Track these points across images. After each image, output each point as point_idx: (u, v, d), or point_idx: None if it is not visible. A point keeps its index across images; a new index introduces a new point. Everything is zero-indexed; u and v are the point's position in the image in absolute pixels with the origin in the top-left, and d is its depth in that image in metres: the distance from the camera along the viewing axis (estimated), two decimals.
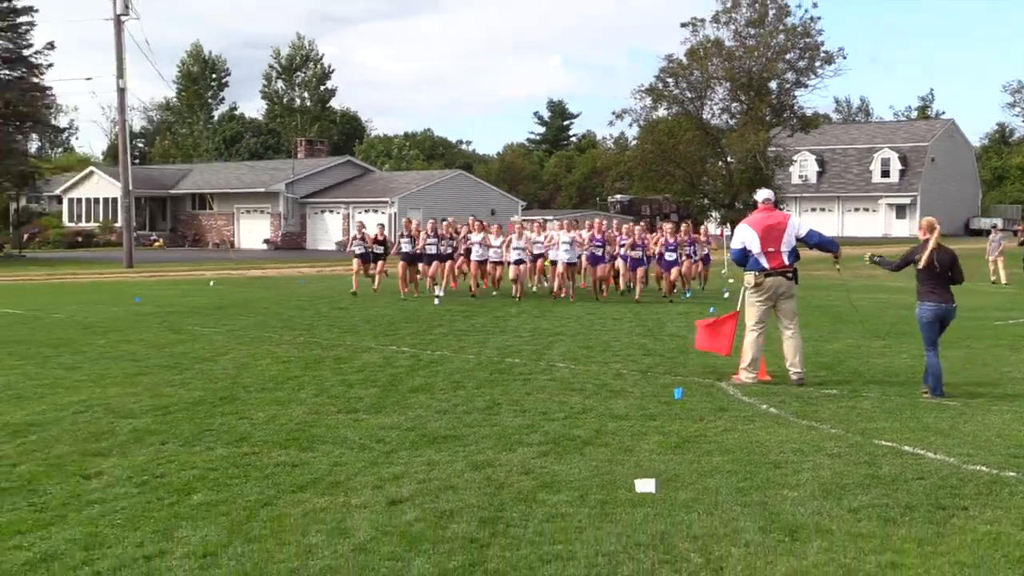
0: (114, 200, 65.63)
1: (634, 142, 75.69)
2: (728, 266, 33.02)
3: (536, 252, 25.20)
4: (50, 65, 53.70)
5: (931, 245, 11.43)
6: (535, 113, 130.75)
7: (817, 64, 66.32)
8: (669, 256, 24.79)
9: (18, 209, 69.40)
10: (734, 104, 68.60)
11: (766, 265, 12.07)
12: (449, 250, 25.58)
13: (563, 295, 24.14)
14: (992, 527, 6.54)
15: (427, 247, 25.17)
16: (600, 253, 24.64)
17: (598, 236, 24.62)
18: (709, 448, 8.70)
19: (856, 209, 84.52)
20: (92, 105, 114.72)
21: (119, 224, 55.86)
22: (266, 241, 66.87)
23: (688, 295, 25.28)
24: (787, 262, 12.12)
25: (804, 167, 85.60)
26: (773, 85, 67.39)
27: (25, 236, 64.15)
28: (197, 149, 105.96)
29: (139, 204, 66.72)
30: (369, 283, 26.64)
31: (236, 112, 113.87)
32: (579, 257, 24.93)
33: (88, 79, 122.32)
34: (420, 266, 25.54)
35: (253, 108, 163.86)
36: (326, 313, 21.16)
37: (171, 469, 7.96)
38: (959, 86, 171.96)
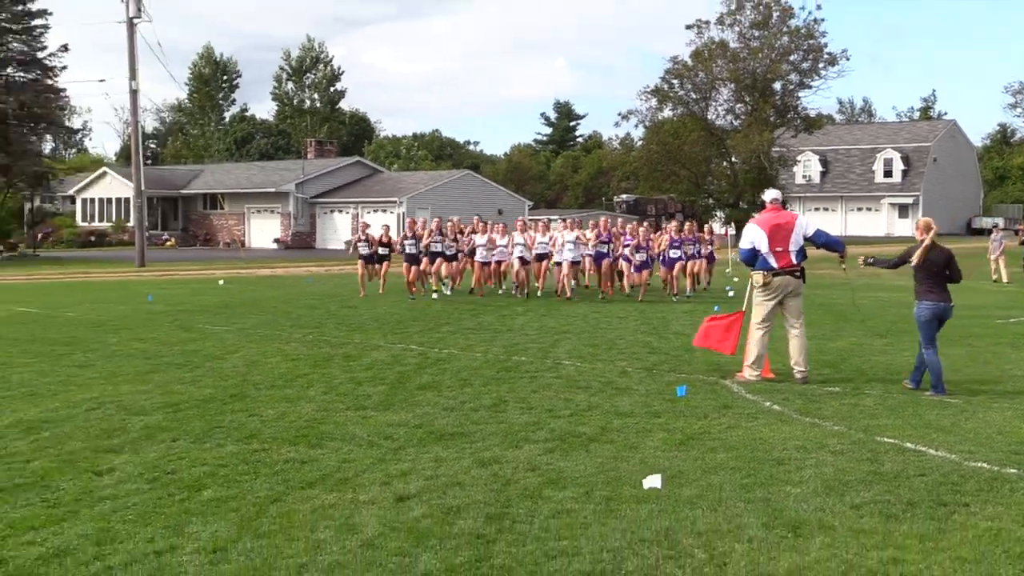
0: (126, 200, 65.76)
1: (640, 143, 75.68)
2: (732, 265, 33.00)
3: (540, 253, 24.99)
4: (64, 67, 53.84)
5: (925, 245, 11.44)
6: (542, 114, 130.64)
7: (820, 65, 66.24)
8: (673, 253, 24.54)
9: (32, 209, 69.55)
10: (738, 105, 68.56)
11: (774, 264, 12.06)
12: (453, 249, 25.27)
13: (567, 295, 23.90)
14: (993, 523, 6.53)
15: (433, 245, 24.84)
16: (606, 251, 24.46)
17: (604, 233, 24.51)
18: (713, 445, 8.69)
19: (859, 209, 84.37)
20: (105, 107, 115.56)
21: (131, 224, 55.96)
22: (276, 240, 66.91)
23: (689, 295, 24.98)
24: (795, 261, 12.11)
25: (808, 167, 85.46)
26: (777, 86, 67.31)
27: (39, 235, 64.30)
28: (208, 150, 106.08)
29: (151, 204, 66.80)
30: (374, 284, 26.27)
31: (247, 113, 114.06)
32: (583, 256, 24.77)
33: (101, 81, 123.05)
34: (423, 262, 25.05)
35: (264, 109, 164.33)
36: (335, 311, 21.16)
37: (182, 465, 7.97)
38: (961, 87, 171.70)
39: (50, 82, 52.79)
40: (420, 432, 9.19)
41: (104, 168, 76.06)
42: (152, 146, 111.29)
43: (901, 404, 10.62)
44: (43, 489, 7.33)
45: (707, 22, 67.41)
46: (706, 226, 30.53)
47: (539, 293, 25.09)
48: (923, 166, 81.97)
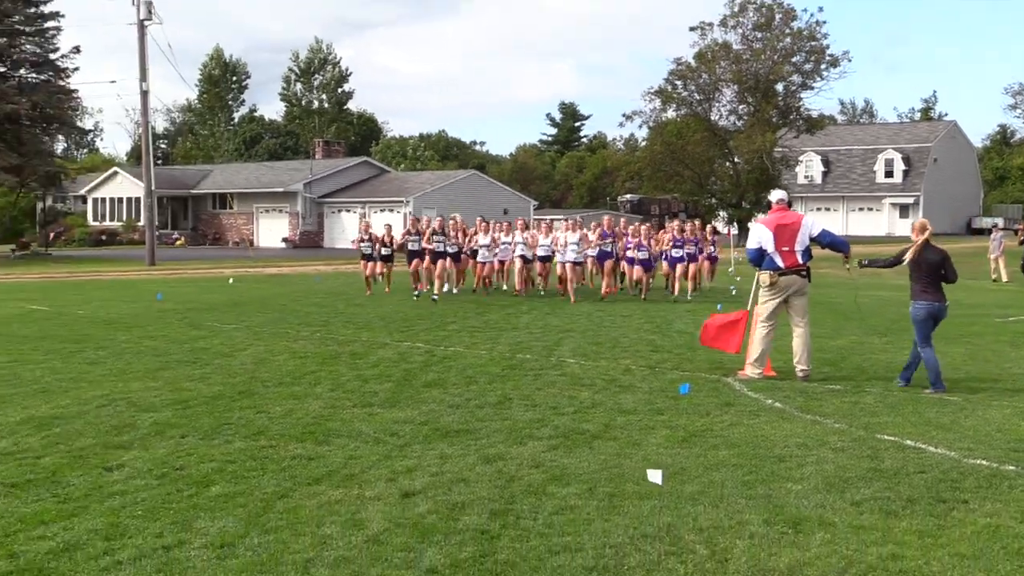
0: (137, 200, 65.82)
1: (644, 143, 75.56)
2: (735, 264, 32.95)
3: (542, 254, 24.84)
4: (76, 69, 53.90)
5: (918, 245, 11.48)
6: (547, 115, 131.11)
7: (822, 67, 66.03)
8: (676, 252, 24.27)
9: (44, 208, 69.80)
10: (741, 106, 68.38)
11: (781, 264, 12.05)
12: (455, 249, 24.85)
13: (571, 300, 23.75)
14: (992, 520, 6.52)
15: (434, 244, 24.45)
16: (609, 250, 24.31)
17: (608, 231, 24.37)
18: (715, 442, 8.68)
19: (860, 209, 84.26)
20: (116, 107, 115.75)
21: (142, 223, 56.10)
22: (284, 240, 66.95)
23: (689, 298, 24.67)
24: (801, 261, 12.11)
25: (809, 167, 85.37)
26: (780, 87, 67.15)
27: (51, 235, 64.39)
28: (218, 150, 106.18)
29: (161, 204, 66.94)
30: (379, 283, 26.21)
31: (256, 114, 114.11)
32: (587, 257, 24.67)
33: (112, 82, 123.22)
34: (425, 260, 24.67)
35: (272, 110, 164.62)
36: (342, 310, 21.18)
37: (190, 462, 7.98)
38: (961, 88, 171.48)
39: (62, 83, 52.84)
40: (426, 429, 9.19)
41: (115, 168, 76.10)
42: (162, 146, 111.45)
43: (901, 402, 10.61)
44: (54, 484, 7.35)
45: (710, 24, 67.27)
46: (708, 226, 30.40)
47: (542, 292, 25.00)
48: (924, 166, 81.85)
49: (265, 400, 10.64)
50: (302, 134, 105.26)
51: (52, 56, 52.45)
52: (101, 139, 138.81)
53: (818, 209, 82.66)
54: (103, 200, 73.09)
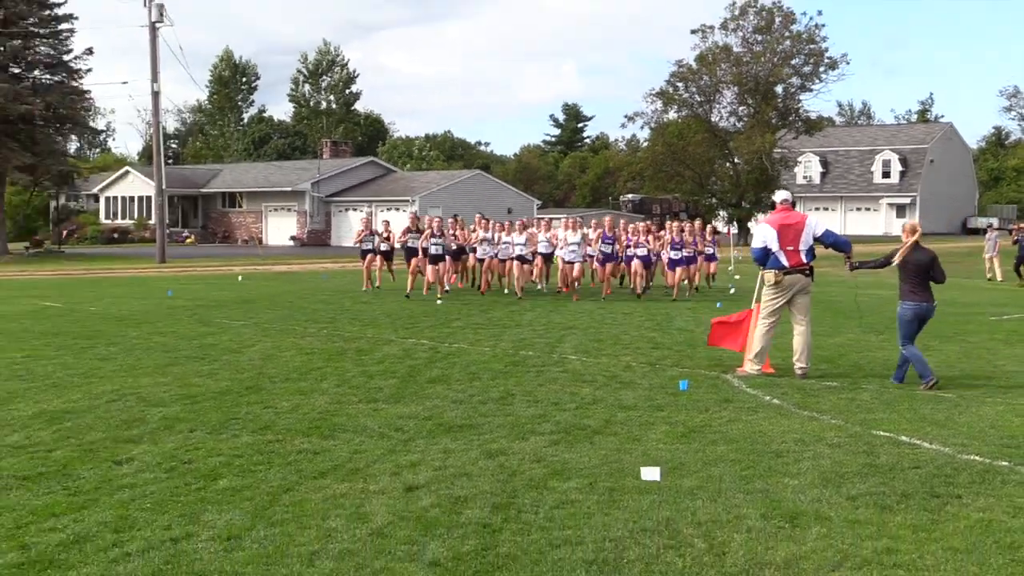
0: (148, 198, 65.85)
1: (645, 144, 75.46)
2: (734, 263, 32.91)
3: (542, 250, 24.67)
4: (89, 70, 53.90)
5: (908, 246, 11.52)
6: (550, 116, 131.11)
7: (821, 69, 65.96)
8: (674, 254, 23.94)
9: (58, 207, 69.89)
10: (741, 108, 68.33)
11: (785, 263, 12.04)
12: (454, 247, 24.34)
13: (567, 292, 23.63)
14: (985, 514, 6.51)
15: (432, 246, 23.30)
16: (610, 251, 24.11)
17: (608, 234, 24.24)
18: (714, 438, 8.68)
19: (858, 209, 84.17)
20: (128, 108, 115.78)
21: (153, 221, 56.10)
22: (292, 238, 66.98)
23: (687, 295, 24.50)
24: (805, 260, 12.11)
25: (808, 168, 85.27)
26: (779, 89, 67.08)
27: (64, 232, 64.45)
28: (227, 150, 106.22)
29: (172, 202, 66.97)
30: (379, 277, 26.08)
31: (265, 114, 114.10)
32: (588, 257, 24.44)
33: (124, 83, 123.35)
34: (425, 262, 23.65)
35: (281, 111, 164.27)
36: (348, 307, 21.18)
37: (198, 456, 7.98)
38: (957, 91, 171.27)
39: (75, 84, 52.83)
40: (429, 424, 9.19)
41: (127, 167, 76.16)
42: (173, 146, 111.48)
43: (897, 398, 10.60)
44: (65, 477, 7.35)
45: (711, 27, 67.22)
46: (708, 226, 30.21)
47: (542, 289, 24.87)
48: (920, 167, 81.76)
49: (272, 395, 10.64)
50: (310, 134, 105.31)
51: (66, 58, 52.45)
52: (113, 139, 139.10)
53: (816, 209, 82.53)
54: (115, 199, 73.17)
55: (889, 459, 7.91)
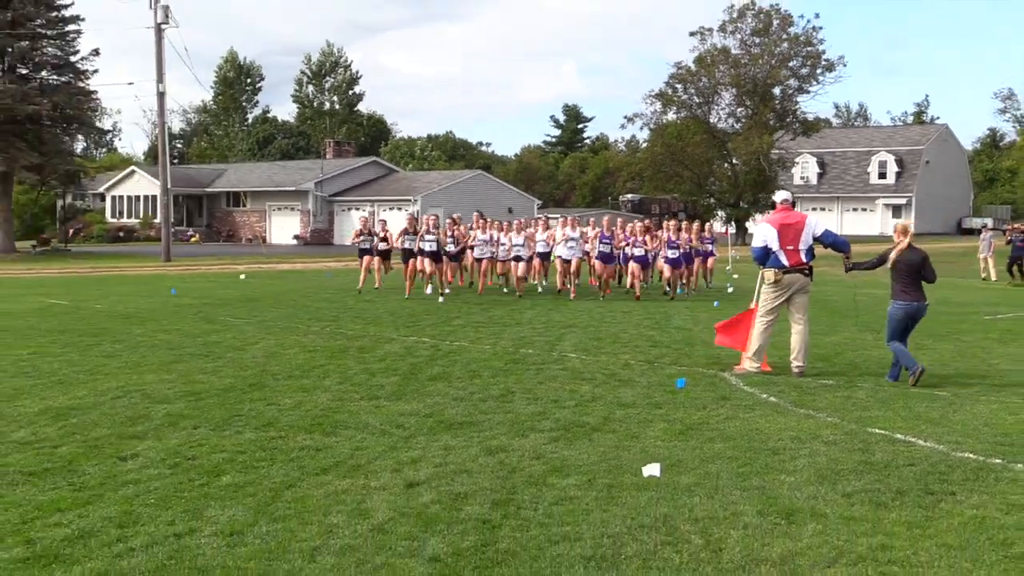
0: (154, 198, 65.91)
1: (645, 144, 75.56)
2: (732, 262, 32.88)
3: (540, 251, 24.40)
4: (95, 71, 53.71)
5: (900, 247, 11.58)
6: (551, 116, 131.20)
7: (818, 71, 66.06)
8: (671, 253, 23.60)
9: (64, 206, 69.87)
10: (739, 109, 68.41)
11: (785, 262, 12.04)
12: (451, 247, 23.91)
13: (564, 290, 23.45)
14: (978, 511, 6.51)
15: (425, 244, 22.92)
16: (608, 250, 23.74)
17: (606, 233, 24.05)
18: (711, 435, 8.67)
19: (854, 209, 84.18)
20: (134, 108, 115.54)
21: (158, 220, 56.10)
22: (296, 237, 66.95)
23: (682, 292, 24.16)
24: (804, 260, 12.10)
25: (805, 169, 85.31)
26: (777, 91, 67.15)
27: (70, 231, 64.40)
28: (232, 150, 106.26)
29: (177, 201, 66.93)
30: (378, 278, 25.56)
31: (269, 115, 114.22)
32: (585, 254, 24.17)
33: (130, 84, 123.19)
34: (423, 262, 23.21)
35: (285, 111, 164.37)
36: (351, 305, 21.17)
37: (202, 452, 7.98)
38: (953, 93, 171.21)
39: (82, 85, 52.78)
40: (430, 421, 9.18)
41: (132, 167, 76.19)
42: (178, 146, 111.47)
43: (892, 397, 10.59)
44: (70, 473, 7.35)
45: (710, 29, 67.38)
46: (707, 225, 30.12)
47: (540, 289, 24.71)
48: (916, 168, 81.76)
49: (275, 392, 10.64)
50: (313, 135, 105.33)
51: (72, 58, 52.43)
52: (119, 139, 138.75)
53: (814, 209, 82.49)
54: (121, 198, 73.20)
55: (884, 456, 7.91)
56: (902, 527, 6.20)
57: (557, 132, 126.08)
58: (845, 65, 79.94)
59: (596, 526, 6.18)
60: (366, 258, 25.02)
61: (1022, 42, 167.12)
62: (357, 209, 65.55)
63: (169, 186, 46.68)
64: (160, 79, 45.47)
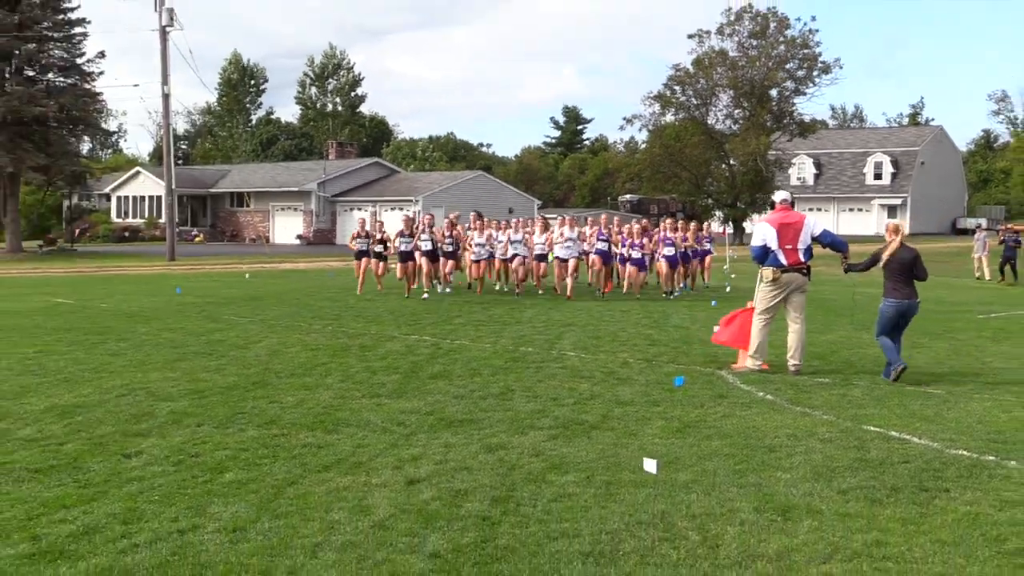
0: (158, 198, 65.81)
1: (643, 145, 75.52)
2: (730, 262, 32.86)
3: (538, 252, 24.33)
4: (101, 73, 53.74)
5: (893, 246, 11.64)
6: (551, 118, 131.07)
7: (815, 73, 65.99)
8: (668, 251, 23.39)
9: (70, 206, 69.88)
10: (737, 111, 68.36)
11: (784, 261, 12.02)
12: (450, 247, 23.67)
13: (567, 296, 22.90)
14: (972, 508, 6.50)
15: (421, 244, 22.69)
16: (606, 248, 23.74)
17: (603, 231, 23.83)
18: (708, 433, 8.66)
19: (850, 209, 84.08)
20: (139, 109, 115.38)
21: (163, 220, 56.08)
22: (299, 237, 66.95)
23: (677, 293, 23.93)
24: (803, 259, 12.09)
25: (802, 170, 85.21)
26: (774, 93, 67.10)
27: (76, 231, 64.47)
28: (236, 151, 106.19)
29: (182, 202, 67.00)
30: (379, 281, 25.13)
31: (272, 116, 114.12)
32: (584, 254, 23.84)
33: (136, 86, 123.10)
34: (420, 262, 22.98)
35: (288, 113, 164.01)
36: (353, 304, 21.16)
37: (205, 449, 7.97)
38: (948, 94, 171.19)
39: (88, 87, 52.83)
40: (431, 419, 9.17)
41: (138, 168, 76.14)
42: (183, 147, 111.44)
43: (887, 394, 10.59)
44: (75, 470, 7.35)
45: (708, 32, 67.30)
46: (705, 225, 29.99)
47: (540, 292, 24.45)
48: (911, 169, 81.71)
49: (278, 390, 10.63)
50: (316, 136, 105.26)
51: (78, 61, 52.48)
52: (125, 140, 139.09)
53: (810, 209, 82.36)
54: (126, 198, 73.16)
55: (879, 454, 7.90)
56: (897, 523, 6.19)
57: (557, 133, 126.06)
58: (841, 67, 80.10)
59: (594, 522, 6.18)
60: (363, 260, 24.45)
61: (1017, 45, 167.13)
62: (359, 209, 65.55)
63: (174, 187, 46.73)
64: (165, 81, 45.51)
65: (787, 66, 66.06)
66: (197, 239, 67.59)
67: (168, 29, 45.15)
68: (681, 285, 24.69)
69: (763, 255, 12.17)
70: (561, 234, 22.91)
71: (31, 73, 51.41)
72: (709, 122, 68.74)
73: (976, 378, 11.85)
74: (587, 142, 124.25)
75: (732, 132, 67.81)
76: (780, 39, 65.78)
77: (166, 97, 45.93)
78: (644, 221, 26.41)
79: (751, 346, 12.21)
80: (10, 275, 34.44)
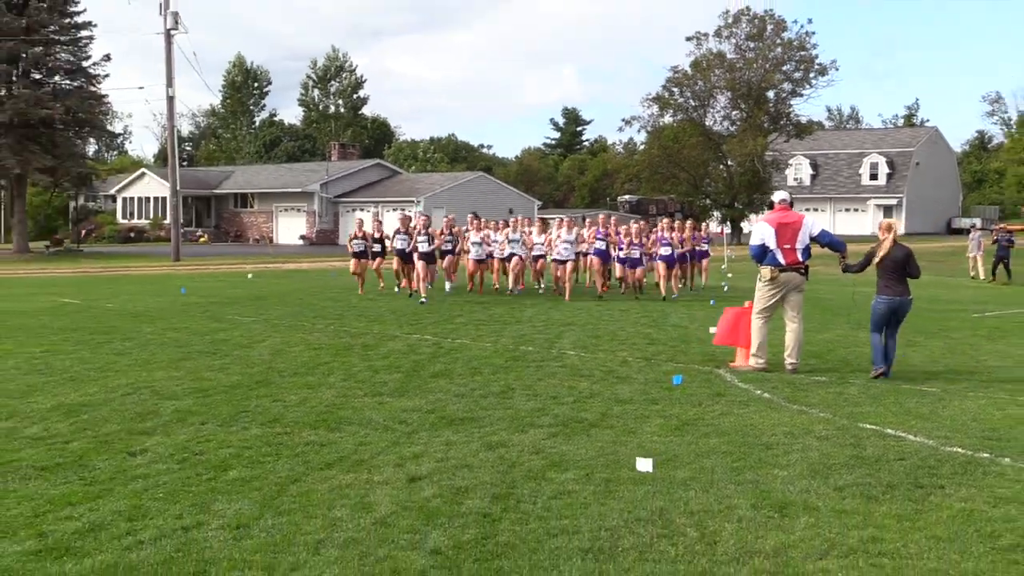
0: (163, 199, 65.83)
1: (642, 147, 75.49)
2: (727, 261, 32.85)
3: (536, 253, 23.93)
4: (106, 75, 54.14)
5: (886, 244, 11.64)
6: (551, 119, 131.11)
7: (811, 75, 66.03)
8: (664, 251, 22.98)
9: (77, 207, 69.97)
10: (734, 112, 68.38)
11: (782, 261, 12.02)
12: (449, 246, 23.58)
13: (565, 298, 22.58)
14: (966, 504, 6.50)
15: (418, 245, 21.88)
16: (604, 248, 23.51)
17: (601, 231, 23.59)
18: (706, 430, 8.66)
19: (847, 209, 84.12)
20: (144, 112, 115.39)
21: (168, 221, 56.12)
22: (302, 237, 66.96)
23: (675, 296, 23.41)
24: (801, 259, 12.08)
25: (799, 170, 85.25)
26: (771, 95, 67.13)
27: (83, 232, 64.41)
28: (239, 152, 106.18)
29: (186, 203, 66.99)
30: (380, 280, 25.11)
31: (275, 118, 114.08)
32: (583, 255, 23.68)
33: (140, 88, 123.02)
34: (418, 263, 22.14)
35: (291, 115, 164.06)
36: (355, 304, 21.14)
37: (209, 447, 7.97)
38: (942, 96, 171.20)
39: (94, 89, 52.86)
40: (432, 417, 9.17)
41: (143, 169, 76.14)
42: (187, 148, 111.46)
43: (883, 393, 10.58)
44: (81, 468, 7.34)
45: (706, 34, 67.37)
46: (703, 224, 29.90)
47: (539, 289, 24.45)
48: (906, 170, 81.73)
49: (281, 389, 10.62)
50: (319, 137, 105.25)
51: (84, 64, 52.52)
52: (130, 142, 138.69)
53: (807, 210, 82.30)
54: (131, 199, 73.15)
55: (875, 451, 7.90)
56: (892, 520, 6.19)
57: (557, 135, 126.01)
58: (837, 69, 79.64)
59: (594, 519, 6.17)
60: (363, 261, 24.22)
61: (1010, 47, 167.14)
62: (362, 210, 65.54)
63: (178, 188, 46.73)
64: (169, 83, 45.50)
65: (784, 68, 66.10)
66: (201, 240, 67.58)
67: (172, 32, 45.15)
68: (680, 285, 24.57)
69: (761, 254, 12.16)
70: (558, 236, 22.79)
71: (38, 76, 51.47)
72: (707, 123, 68.79)
73: (971, 376, 11.85)
74: (586, 143, 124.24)
75: (730, 133, 67.84)
76: (777, 41, 65.82)
77: (170, 99, 45.89)
78: (642, 223, 26.28)
79: (752, 345, 12.20)
80: (17, 275, 34.44)
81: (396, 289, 23.61)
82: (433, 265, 22.51)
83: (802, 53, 65.54)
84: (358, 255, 24.09)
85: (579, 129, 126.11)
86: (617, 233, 24.03)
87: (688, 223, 26.48)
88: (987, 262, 33.66)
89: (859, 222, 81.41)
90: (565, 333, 15.86)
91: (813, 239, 12.27)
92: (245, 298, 22.74)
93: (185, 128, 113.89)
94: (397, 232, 23.15)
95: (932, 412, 9.54)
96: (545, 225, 24.99)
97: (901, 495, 6.71)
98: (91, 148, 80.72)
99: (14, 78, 49.86)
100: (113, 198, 74.38)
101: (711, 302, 21.24)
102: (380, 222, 25.37)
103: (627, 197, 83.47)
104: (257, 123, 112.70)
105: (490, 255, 24.06)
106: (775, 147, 67.04)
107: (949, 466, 7.44)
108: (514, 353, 13.47)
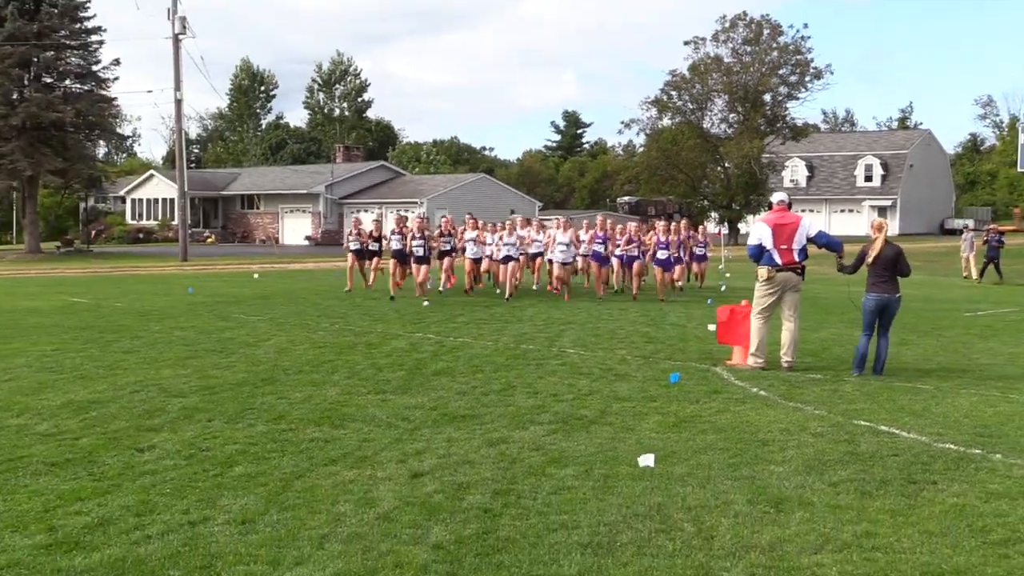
0: (171, 200, 65.82)
1: (641, 149, 75.50)
2: (725, 262, 32.84)
3: (534, 251, 23.81)
4: (116, 79, 54.29)
5: (878, 243, 11.68)
6: (552, 122, 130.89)
7: (807, 79, 66.02)
8: (661, 254, 22.49)
9: (87, 208, 69.96)
10: (732, 115, 68.34)
11: (779, 261, 12.01)
12: (447, 246, 23.50)
13: (558, 292, 22.56)
14: (959, 499, 6.50)
15: (414, 248, 21.88)
16: (603, 251, 23.28)
17: (600, 233, 23.32)
18: (703, 427, 8.65)
19: (842, 210, 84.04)
20: (153, 115, 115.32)
21: (176, 222, 56.11)
22: (307, 238, 66.99)
23: (673, 297, 23.58)
24: (797, 259, 12.07)
25: (795, 172, 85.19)
26: (767, 98, 67.10)
27: (92, 232, 64.51)
28: (246, 154, 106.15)
29: (194, 204, 67.04)
30: (373, 276, 24.33)
31: (281, 121, 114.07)
32: (575, 258, 23.22)
33: (149, 92, 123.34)
34: (413, 266, 22.16)
35: (297, 117, 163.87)
36: (359, 303, 21.13)
37: (216, 444, 7.96)
38: (936, 99, 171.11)
39: (103, 93, 52.93)
40: (435, 414, 9.17)
41: (151, 171, 76.25)
42: (195, 151, 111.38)
43: (877, 390, 10.58)
44: (90, 464, 7.34)
45: (703, 39, 67.27)
46: (700, 226, 29.80)
47: (534, 287, 24.29)
48: (900, 171, 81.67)
49: (286, 387, 10.62)
50: (324, 140, 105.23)
51: (94, 68, 52.58)
52: (139, 144, 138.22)
53: (803, 211, 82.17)
54: (140, 201, 73.24)
55: (869, 447, 7.89)
56: (886, 515, 6.19)
57: (557, 137, 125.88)
58: (832, 73, 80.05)
59: (593, 514, 6.17)
60: (352, 258, 24.03)
61: (1002, 50, 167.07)
62: (366, 211, 65.52)
63: (186, 189, 46.77)
64: (177, 87, 45.56)
65: (780, 72, 66.09)
66: (209, 240, 67.59)
67: (181, 37, 45.19)
68: (679, 286, 24.53)
69: (759, 254, 12.16)
70: (553, 238, 22.60)
71: (49, 80, 51.52)
72: (705, 126, 68.74)
73: (963, 374, 11.84)
74: (586, 146, 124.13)
75: (727, 136, 67.79)
76: (773, 46, 65.78)
77: (178, 103, 45.95)
78: (639, 225, 26.11)
79: (751, 344, 12.19)
80: (28, 275, 34.47)
81: (391, 297, 23.20)
82: (427, 267, 22.22)
83: (798, 57, 65.54)
84: (355, 253, 24.01)
85: (579, 132, 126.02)
86: (615, 234, 23.91)
87: (683, 223, 26.38)
88: (979, 262, 33.66)
89: (854, 223, 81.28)
90: (565, 332, 15.86)
91: (811, 240, 12.26)
92: (251, 297, 22.74)
93: (193, 131, 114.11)
94: (394, 233, 22.90)
95: (925, 409, 9.53)
96: (543, 226, 24.84)
97: (894, 491, 6.71)
98: (101, 150, 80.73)
99: (26, 82, 49.93)
100: (122, 199, 74.47)
101: (708, 301, 21.22)
102: (380, 222, 25.30)
103: (626, 198, 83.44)
104: (263, 126, 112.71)
105: (489, 256, 23.85)
106: (771, 149, 66.99)
107: (941, 462, 7.44)
108: (515, 351, 13.47)
